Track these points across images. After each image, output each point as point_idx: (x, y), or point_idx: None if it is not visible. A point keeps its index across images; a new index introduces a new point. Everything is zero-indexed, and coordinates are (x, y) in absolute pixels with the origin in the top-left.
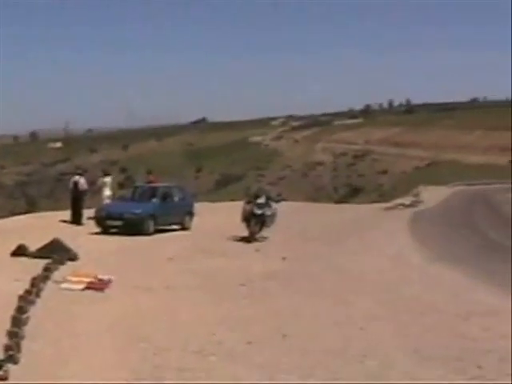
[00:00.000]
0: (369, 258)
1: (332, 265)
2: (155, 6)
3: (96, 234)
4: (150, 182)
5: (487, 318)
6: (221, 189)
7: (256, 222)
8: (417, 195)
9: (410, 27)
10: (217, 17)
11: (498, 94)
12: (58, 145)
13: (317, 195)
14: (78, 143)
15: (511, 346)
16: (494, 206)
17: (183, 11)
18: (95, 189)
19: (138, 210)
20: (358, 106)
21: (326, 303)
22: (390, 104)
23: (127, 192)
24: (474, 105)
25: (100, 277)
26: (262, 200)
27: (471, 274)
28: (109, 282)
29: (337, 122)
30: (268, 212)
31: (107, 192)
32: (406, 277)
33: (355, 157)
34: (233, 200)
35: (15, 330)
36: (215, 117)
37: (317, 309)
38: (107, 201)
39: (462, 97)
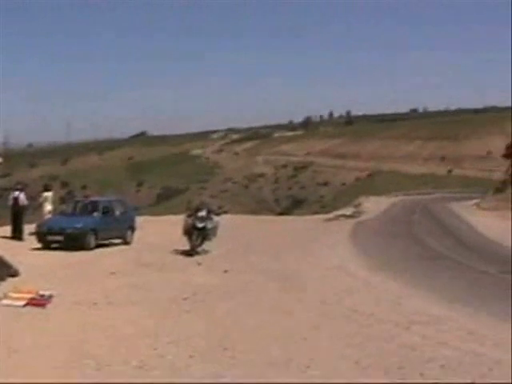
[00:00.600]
0: (311, 269)
1: (274, 277)
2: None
3: (37, 249)
4: (86, 197)
5: (428, 327)
6: (162, 202)
7: (197, 235)
8: (358, 206)
9: (348, 39)
10: (158, 25)
11: (437, 104)
12: None
13: (258, 207)
14: (17, 158)
15: None
16: (433, 216)
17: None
18: (36, 204)
19: (79, 224)
20: (299, 118)
21: (268, 315)
22: (331, 115)
23: (68, 206)
24: (413, 115)
25: (41, 293)
26: (203, 213)
27: (412, 284)
28: (50, 297)
29: (277, 134)
30: (209, 225)
31: (48, 207)
32: (347, 287)
33: (296, 169)
34: (174, 213)
35: None
36: (155, 130)
37: (259, 321)
38: (48, 216)
39: (402, 107)
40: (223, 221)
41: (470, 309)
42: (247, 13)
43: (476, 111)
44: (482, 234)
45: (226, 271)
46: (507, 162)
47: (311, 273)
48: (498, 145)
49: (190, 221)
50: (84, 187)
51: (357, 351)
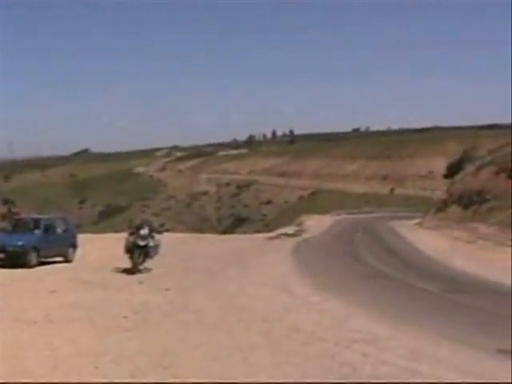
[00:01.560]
0: (252, 288)
1: (215, 295)
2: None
3: None
4: (15, 214)
5: (369, 346)
6: (105, 220)
7: (139, 253)
8: (300, 224)
9: (290, 60)
10: (98, 49)
11: (380, 124)
12: None
13: (201, 226)
14: None
15: None
16: (375, 235)
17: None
18: None
19: (21, 242)
20: (242, 137)
21: (209, 334)
22: (274, 134)
23: (9, 224)
24: (355, 135)
25: None
26: (145, 231)
27: (353, 302)
28: None
29: (221, 153)
30: (151, 243)
31: None
32: (289, 306)
33: (239, 187)
34: (117, 231)
35: None
36: (98, 147)
37: (200, 339)
38: None
39: (344, 127)
40: (165, 239)
41: (411, 327)
42: (193, 34)
43: (417, 131)
44: (424, 253)
45: (167, 289)
46: (448, 182)
47: (252, 291)
48: (440, 165)
49: (131, 239)
50: (12, 203)
51: (298, 370)
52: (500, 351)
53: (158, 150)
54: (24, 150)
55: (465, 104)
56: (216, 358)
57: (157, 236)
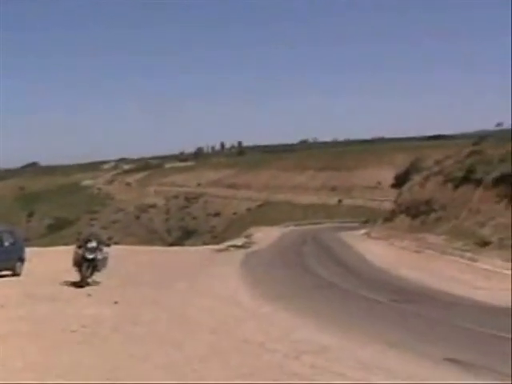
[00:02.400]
0: (201, 301)
1: (164, 308)
2: None
3: None
4: None
5: (318, 356)
6: (53, 233)
7: (87, 266)
8: (249, 236)
9: (241, 72)
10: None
11: (327, 135)
12: None
13: (150, 238)
14: None
15: None
16: (324, 245)
17: None
18: None
19: None
20: (190, 149)
21: (158, 347)
22: (222, 146)
23: None
24: (303, 146)
25: None
26: (93, 244)
27: (302, 313)
28: None
29: (168, 165)
30: (99, 256)
31: None
32: (237, 318)
33: (187, 199)
34: (65, 244)
35: None
36: (46, 161)
37: (149, 352)
38: None
39: (292, 138)
40: (114, 252)
41: (360, 337)
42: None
43: (363, 142)
44: (372, 263)
45: (116, 302)
46: (396, 192)
47: (201, 303)
48: (387, 175)
49: (79, 252)
50: None
51: (247, 382)
52: (447, 359)
53: (105, 162)
54: None
55: (410, 115)
56: (165, 371)
57: (105, 249)
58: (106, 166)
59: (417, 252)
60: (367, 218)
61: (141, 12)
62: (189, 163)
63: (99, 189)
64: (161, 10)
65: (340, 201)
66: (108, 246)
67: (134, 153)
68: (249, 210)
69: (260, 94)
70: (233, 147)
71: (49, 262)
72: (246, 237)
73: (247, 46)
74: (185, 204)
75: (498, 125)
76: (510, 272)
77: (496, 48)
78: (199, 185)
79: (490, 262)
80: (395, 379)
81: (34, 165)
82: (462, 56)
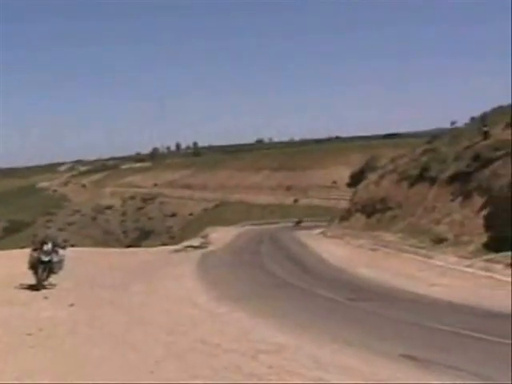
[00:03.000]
0: (158, 302)
1: (120, 310)
2: None
3: None
4: None
5: (275, 356)
6: (9, 236)
7: (43, 269)
8: (205, 236)
9: (196, 75)
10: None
11: (283, 135)
12: None
13: (106, 239)
14: None
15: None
16: (280, 245)
17: None
18: None
19: None
20: (146, 150)
21: (115, 349)
22: (178, 147)
23: None
24: (259, 146)
25: None
26: (48, 246)
27: (259, 313)
28: None
29: (124, 166)
30: (55, 258)
31: None
32: (194, 318)
33: (144, 200)
34: (21, 247)
35: None
36: (3, 163)
37: (106, 355)
38: None
39: (248, 138)
40: (70, 254)
41: (317, 336)
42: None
43: (319, 141)
44: (329, 262)
45: (72, 305)
46: (351, 191)
47: (158, 305)
48: (343, 174)
49: (35, 254)
50: None
51: (204, 382)
52: (403, 356)
53: (61, 164)
54: None
55: (366, 114)
56: (122, 373)
57: (61, 251)
58: (62, 168)
59: (373, 250)
60: (323, 217)
61: None
62: (145, 164)
63: (55, 191)
64: None
65: (296, 200)
66: (64, 248)
67: (91, 154)
68: (205, 210)
69: (215, 94)
70: (188, 148)
71: (4, 265)
72: (203, 237)
73: (206, 45)
74: (141, 205)
75: (453, 123)
76: (465, 268)
77: (451, 49)
78: (155, 185)
79: (445, 259)
80: (352, 378)
81: None
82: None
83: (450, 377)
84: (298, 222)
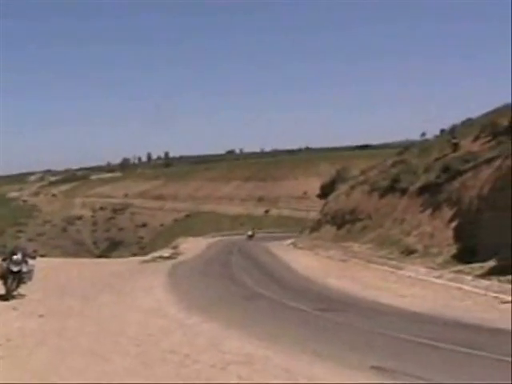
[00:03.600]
0: (127, 313)
1: (90, 321)
2: None
3: None
4: None
5: (244, 367)
6: None
7: (13, 279)
8: (176, 247)
9: (167, 84)
10: None
11: (254, 146)
12: None
13: (77, 250)
14: None
15: None
16: (250, 255)
17: None
18: None
19: None
20: (116, 160)
21: (85, 360)
22: (149, 157)
23: None
24: (230, 157)
25: None
26: (18, 257)
27: (229, 324)
28: None
29: (95, 176)
30: (25, 269)
31: None
32: (164, 329)
33: (114, 211)
34: None
35: None
36: None
37: (75, 366)
38: None
39: (219, 149)
40: (40, 264)
41: (286, 347)
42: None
43: (290, 152)
44: (298, 272)
45: (41, 315)
46: (322, 202)
47: (128, 316)
48: (313, 185)
49: (5, 265)
50: None
51: None
52: (373, 368)
53: (30, 174)
54: None
55: (336, 125)
56: None
57: (30, 261)
58: (32, 178)
59: (343, 261)
60: (294, 228)
61: None
62: (115, 174)
63: (25, 201)
64: None
65: (267, 211)
66: (34, 258)
67: (60, 164)
68: (176, 220)
69: (185, 105)
70: (159, 158)
71: None
72: (173, 247)
73: (179, 54)
74: (112, 215)
75: (423, 135)
76: (434, 279)
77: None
78: (126, 196)
79: (415, 270)
80: None
81: None
82: (386, 69)
83: None
84: (252, 235)
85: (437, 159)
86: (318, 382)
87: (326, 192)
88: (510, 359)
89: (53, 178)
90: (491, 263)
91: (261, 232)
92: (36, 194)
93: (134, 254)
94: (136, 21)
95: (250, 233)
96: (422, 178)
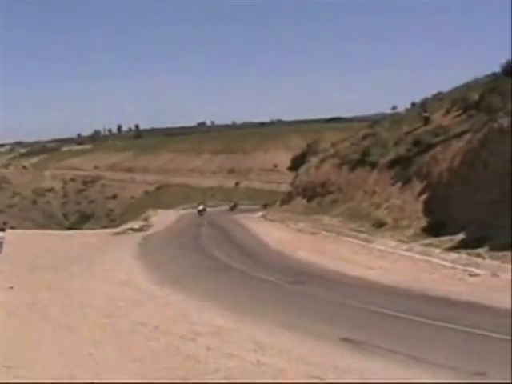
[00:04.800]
0: (97, 285)
1: (60, 292)
2: None
3: None
4: None
5: (213, 338)
6: None
7: None
8: (146, 219)
9: (142, 57)
10: None
11: (224, 118)
12: None
13: (47, 222)
14: None
15: None
16: (221, 228)
17: None
18: None
19: None
20: (87, 132)
21: (54, 331)
22: (119, 129)
23: None
24: (201, 129)
25: None
26: None
27: (199, 296)
28: None
29: (65, 148)
30: None
31: None
32: (134, 301)
33: (85, 183)
34: None
35: None
36: None
37: (44, 337)
38: None
39: (190, 121)
40: (10, 236)
41: (255, 319)
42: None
43: (261, 125)
44: (268, 245)
45: (11, 287)
46: (292, 175)
47: (98, 287)
48: (284, 158)
49: None
50: None
51: (142, 365)
52: (340, 338)
53: (0, 146)
54: None
55: (307, 98)
56: (61, 356)
57: (0, 233)
58: (1, 150)
59: (313, 234)
60: (264, 201)
61: None
62: (86, 146)
63: None
64: None
65: (237, 183)
66: (3, 230)
67: (31, 136)
68: (146, 192)
69: (157, 76)
70: (130, 130)
71: None
72: (144, 220)
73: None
74: (82, 187)
75: (394, 108)
76: (404, 252)
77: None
78: (96, 168)
79: (385, 243)
80: (290, 360)
81: None
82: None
83: (384, 358)
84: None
85: (407, 133)
86: (286, 353)
87: (296, 165)
88: (476, 331)
89: (23, 150)
90: (460, 236)
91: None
92: (6, 165)
93: (105, 227)
94: None
95: (200, 207)
96: (393, 152)
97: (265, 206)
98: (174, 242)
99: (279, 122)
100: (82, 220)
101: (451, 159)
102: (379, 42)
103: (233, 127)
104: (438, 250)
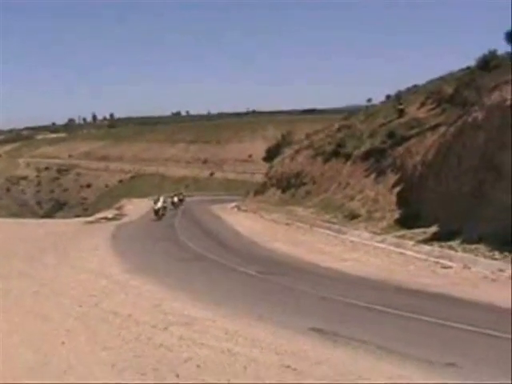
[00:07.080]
0: (70, 273)
1: (32, 281)
2: None
3: None
4: None
5: (185, 328)
6: None
7: None
8: (120, 208)
9: (120, 43)
10: None
11: (199, 108)
12: None
13: (21, 211)
14: None
15: None
16: (195, 218)
17: None
18: None
19: None
20: (61, 120)
21: (25, 319)
22: (94, 118)
23: None
24: (176, 119)
25: None
26: None
27: (171, 286)
28: None
29: (40, 136)
30: None
31: None
32: (106, 290)
33: (59, 171)
34: None
35: None
36: None
37: (16, 326)
38: None
39: (165, 111)
40: None
41: (228, 309)
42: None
43: (236, 115)
44: (242, 235)
45: None
46: (267, 165)
47: (71, 276)
48: (259, 148)
49: None
50: None
51: (113, 354)
52: (313, 330)
53: None
54: None
55: (285, 89)
56: (33, 344)
57: None
58: None
59: (287, 224)
60: (238, 191)
61: None
62: (60, 135)
63: None
64: None
65: (212, 174)
66: None
67: (4, 124)
68: (120, 181)
69: (133, 65)
70: (105, 119)
71: None
72: (117, 209)
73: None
74: (56, 176)
75: (369, 100)
76: (377, 244)
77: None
78: (71, 156)
79: (358, 235)
80: (262, 350)
81: None
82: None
83: (356, 349)
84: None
85: (382, 125)
86: (257, 344)
87: (271, 155)
88: (450, 323)
89: None
90: (433, 229)
91: (205, 195)
92: None
93: (78, 216)
94: None
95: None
96: (367, 143)
97: (240, 196)
98: (148, 232)
99: (254, 112)
100: (56, 209)
101: (425, 152)
102: (356, 33)
103: (208, 117)
104: (411, 242)
